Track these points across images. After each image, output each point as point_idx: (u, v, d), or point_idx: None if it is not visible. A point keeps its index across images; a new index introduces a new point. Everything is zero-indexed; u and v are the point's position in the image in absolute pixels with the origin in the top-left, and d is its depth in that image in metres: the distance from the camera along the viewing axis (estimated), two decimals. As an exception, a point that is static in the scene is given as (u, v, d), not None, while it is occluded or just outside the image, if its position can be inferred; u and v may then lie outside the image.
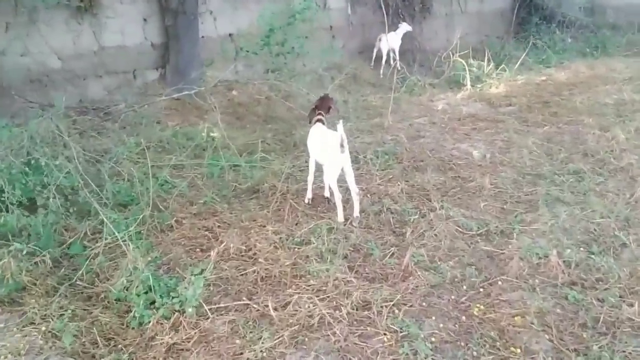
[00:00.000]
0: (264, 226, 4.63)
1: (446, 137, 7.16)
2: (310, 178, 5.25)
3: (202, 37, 8.64)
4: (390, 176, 5.73)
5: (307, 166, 5.83)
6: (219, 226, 4.65)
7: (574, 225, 4.42)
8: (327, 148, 4.67)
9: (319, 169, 5.16)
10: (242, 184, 5.53)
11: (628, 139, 6.31)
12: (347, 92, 9.51)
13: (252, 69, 9.10)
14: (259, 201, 5.22)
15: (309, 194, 5.27)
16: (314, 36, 9.74)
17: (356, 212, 4.70)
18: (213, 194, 5.24)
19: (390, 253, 4.17)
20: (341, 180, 4.74)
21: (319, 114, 5.25)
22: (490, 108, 8.77)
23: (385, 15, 11.19)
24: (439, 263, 3.99)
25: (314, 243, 4.26)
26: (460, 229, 4.47)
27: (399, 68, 11.05)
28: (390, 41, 10.87)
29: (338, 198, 4.65)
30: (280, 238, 4.38)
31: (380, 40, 10.98)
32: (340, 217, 4.67)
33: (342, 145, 4.54)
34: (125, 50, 8.04)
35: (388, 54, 11.10)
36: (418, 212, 4.80)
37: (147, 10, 8.16)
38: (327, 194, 5.33)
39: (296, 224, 4.72)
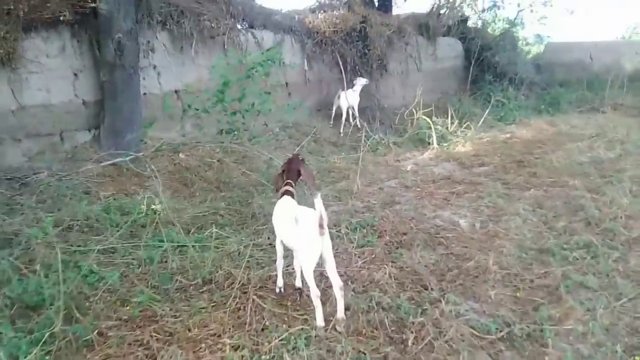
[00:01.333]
0: (219, 336, 3.53)
1: (424, 203, 6.33)
2: (280, 262, 4.21)
3: (144, 94, 7.59)
4: (372, 255, 4.79)
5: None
6: (157, 339, 3.50)
7: (615, 323, 3.54)
8: (301, 231, 3.64)
9: (289, 251, 4.17)
10: (190, 274, 4.39)
11: (631, 204, 5.62)
12: (308, 152, 8.61)
13: (201, 129, 8.08)
14: (211, 297, 4.10)
15: (280, 282, 4.22)
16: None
17: (340, 313, 3.65)
18: (152, 288, 4.09)
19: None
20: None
21: (287, 183, 4.25)
22: (463, 169, 8.09)
23: (343, 72, 10.65)
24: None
25: (288, 363, 3.17)
26: (476, 332, 3.49)
27: (359, 126, 10.39)
28: (350, 98, 10.24)
29: (316, 296, 3.60)
30: (243, 357, 3.26)
31: (339, 97, 10.33)
32: (320, 321, 3.63)
33: (321, 227, 3.54)
34: (51, 109, 6.88)
35: (347, 112, 10.41)
36: (418, 309, 3.80)
37: (77, 63, 7.07)
38: (298, 283, 4.30)
39: (262, 331, 3.63)
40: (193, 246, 4.88)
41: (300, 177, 4.35)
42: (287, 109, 8.43)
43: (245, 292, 4.10)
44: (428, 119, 9.68)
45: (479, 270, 4.45)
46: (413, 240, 5.11)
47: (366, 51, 11.30)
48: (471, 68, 14.22)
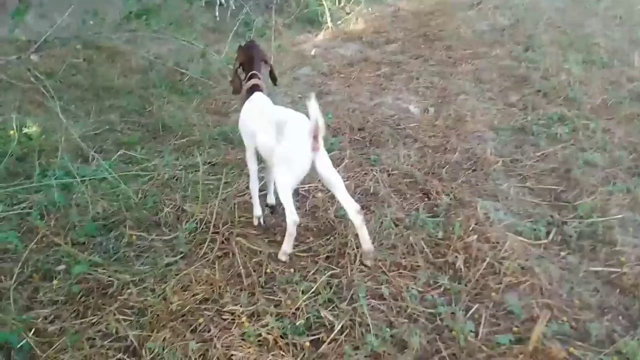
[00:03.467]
0: (215, 301, 2.57)
1: (357, 91, 5.51)
2: (254, 182, 3.20)
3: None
4: (349, 160, 3.92)
5: (212, 163, 3.79)
6: (127, 323, 2.43)
7: None
8: (288, 141, 2.67)
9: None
10: (123, 218, 3.21)
11: (575, 69, 5.36)
12: (188, 42, 7.08)
13: (96, 14, 6.10)
14: (173, 247, 3.00)
15: (258, 211, 3.23)
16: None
17: (366, 244, 2.78)
18: (75, 246, 2.91)
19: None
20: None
21: (253, 75, 3.16)
22: (371, 48, 7.30)
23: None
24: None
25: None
26: (526, 240, 2.92)
27: (233, 6, 8.92)
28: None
29: (294, 223, 2.74)
30: (272, 327, 2.35)
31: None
32: (286, 255, 2.84)
33: (315, 139, 2.60)
34: None
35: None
36: (440, 221, 3.11)
37: None
38: (271, 199, 3.39)
39: (267, 284, 2.70)
40: (104, 178, 3.61)
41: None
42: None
43: (217, 233, 3.05)
44: (318, -6, 8.54)
45: (472, 163, 3.85)
46: (379, 135, 4.33)
47: None
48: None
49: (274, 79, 3.35)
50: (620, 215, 3.04)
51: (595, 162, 3.67)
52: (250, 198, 3.20)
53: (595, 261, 2.76)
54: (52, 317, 2.51)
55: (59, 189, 3.49)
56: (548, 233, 2.99)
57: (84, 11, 5.92)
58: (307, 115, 2.62)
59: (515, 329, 2.33)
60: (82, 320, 2.48)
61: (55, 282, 2.74)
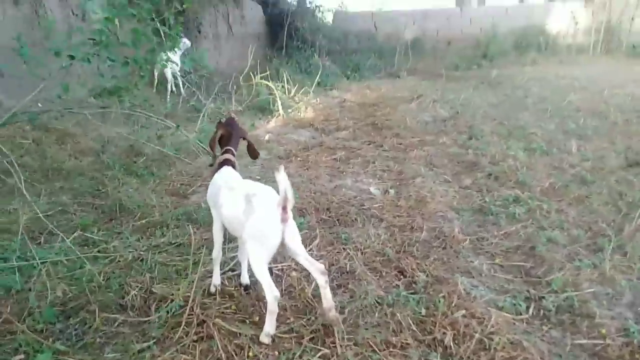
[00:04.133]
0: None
1: (317, 174, 5.60)
2: (218, 253, 3.17)
3: None
4: (319, 240, 3.89)
5: (175, 244, 3.67)
6: None
7: (627, 274, 3.33)
8: (256, 215, 2.64)
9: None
10: (85, 302, 2.98)
11: (521, 156, 5.72)
12: (143, 127, 7.04)
13: (67, 91, 5.92)
14: (144, 331, 2.80)
15: (216, 280, 3.20)
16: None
17: (329, 302, 2.73)
18: (36, 333, 2.62)
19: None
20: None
21: (227, 150, 3.22)
22: (324, 135, 7.56)
23: (161, 31, 9.06)
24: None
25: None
26: (508, 315, 2.95)
27: (184, 94, 9.07)
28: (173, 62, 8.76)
29: (274, 298, 2.63)
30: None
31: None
32: (272, 329, 2.71)
33: (284, 210, 2.59)
34: None
35: (174, 77, 8.97)
36: (422, 298, 3.11)
37: None
38: (245, 279, 3.27)
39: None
40: (60, 260, 3.38)
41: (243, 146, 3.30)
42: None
43: (192, 315, 2.87)
44: (270, 84, 8.84)
45: (440, 241, 3.92)
46: (345, 215, 4.36)
47: (181, 8, 9.82)
48: (285, 33, 13.74)
49: (254, 153, 3.36)
50: (592, 289, 3.14)
51: (556, 239, 3.82)
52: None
53: (577, 334, 2.79)
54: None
55: (11, 273, 3.23)
56: (528, 308, 3.02)
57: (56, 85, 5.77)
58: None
59: (517, 404, 2.27)
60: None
61: (11, 374, 2.44)
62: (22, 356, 2.58)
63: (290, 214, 2.64)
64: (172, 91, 8.93)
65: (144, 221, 4.34)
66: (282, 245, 2.66)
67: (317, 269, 2.69)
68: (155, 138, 6.27)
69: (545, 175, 5.15)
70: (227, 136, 3.24)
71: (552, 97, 9.16)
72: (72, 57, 3.81)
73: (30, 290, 3.05)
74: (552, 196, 4.69)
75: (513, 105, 8.86)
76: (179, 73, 9.03)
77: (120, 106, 5.20)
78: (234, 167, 3.16)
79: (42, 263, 3.24)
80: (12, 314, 2.85)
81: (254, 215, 2.63)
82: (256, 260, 2.63)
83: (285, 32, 14.19)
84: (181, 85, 9.27)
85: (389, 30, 17.91)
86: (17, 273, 3.20)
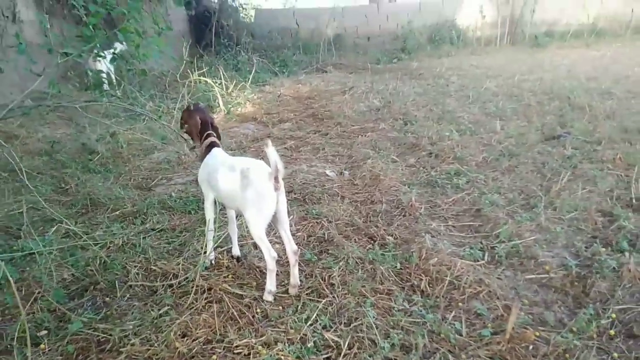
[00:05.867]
0: (221, 341, 2.70)
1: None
2: (211, 228, 3.47)
3: None
4: (293, 216, 4.26)
5: (156, 230, 3.93)
6: None
7: (557, 222, 3.97)
8: (252, 186, 2.99)
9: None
10: (89, 282, 3.19)
11: (457, 137, 6.36)
12: (80, 125, 7.04)
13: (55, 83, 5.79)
14: (155, 300, 3.07)
15: (211, 253, 3.51)
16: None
17: (295, 279, 3.16)
18: (47, 313, 2.84)
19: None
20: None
21: (209, 134, 3.52)
22: (268, 127, 7.86)
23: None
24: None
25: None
26: (470, 262, 3.48)
27: (119, 95, 9.04)
28: (108, 63, 8.72)
29: (272, 258, 3.02)
30: (290, 352, 2.57)
31: (95, 62, 8.70)
32: (273, 286, 3.10)
33: (276, 180, 2.98)
34: None
35: (108, 77, 8.91)
36: (395, 254, 3.57)
37: None
38: (236, 251, 3.63)
39: (265, 319, 2.89)
40: (47, 251, 3.56)
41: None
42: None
43: (195, 285, 3.17)
44: (210, 81, 9.03)
45: (400, 210, 4.42)
46: (310, 195, 4.76)
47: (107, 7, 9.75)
48: (207, 32, 13.85)
49: (219, 138, 3.63)
50: (533, 237, 3.74)
51: (497, 202, 4.42)
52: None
53: (526, 272, 3.36)
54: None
55: (5, 264, 3.35)
56: (483, 255, 3.57)
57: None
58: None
59: (489, 324, 2.79)
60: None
61: (42, 346, 2.65)
62: (46, 331, 2.78)
63: (281, 183, 3.00)
64: (112, 84, 8.90)
65: (117, 212, 4.53)
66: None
67: (290, 248, 3.10)
68: (107, 136, 6.35)
69: (478, 152, 5.79)
70: (204, 123, 3.51)
71: (471, 85, 9.99)
72: (65, 54, 3.92)
73: (24, 279, 3.19)
74: (487, 168, 5.32)
75: (438, 93, 9.59)
76: (112, 71, 8.99)
77: (104, 99, 5.25)
78: (219, 147, 3.47)
79: (38, 252, 3.38)
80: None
81: (251, 187, 2.97)
82: (255, 226, 2.99)
83: (213, 31, 14.29)
84: (114, 82, 9.23)
85: (310, 26, 18.36)
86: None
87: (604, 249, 3.48)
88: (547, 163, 5.28)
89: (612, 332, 2.70)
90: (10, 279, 2.32)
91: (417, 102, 8.92)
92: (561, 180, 4.66)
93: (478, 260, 3.51)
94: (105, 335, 2.73)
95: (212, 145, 3.44)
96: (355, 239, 3.87)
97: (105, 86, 8.88)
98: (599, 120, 6.64)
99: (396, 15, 18.65)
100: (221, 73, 9.79)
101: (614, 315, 2.82)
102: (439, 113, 7.84)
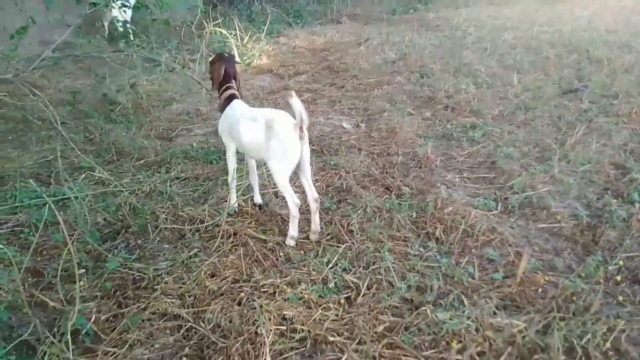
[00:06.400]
0: (247, 281, 2.88)
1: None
2: (233, 180, 3.63)
3: None
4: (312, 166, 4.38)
5: (180, 179, 4.07)
6: (174, 305, 2.66)
7: (571, 175, 4.07)
8: (278, 136, 3.10)
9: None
10: (120, 226, 3.39)
11: (474, 90, 6.38)
12: (98, 76, 7.13)
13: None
14: (185, 244, 3.26)
15: (234, 202, 3.68)
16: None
17: (315, 226, 3.32)
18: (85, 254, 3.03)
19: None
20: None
21: (229, 87, 3.58)
22: (284, 79, 7.89)
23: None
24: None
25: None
26: (484, 212, 3.61)
27: (137, 43, 9.09)
28: (127, 11, 8.73)
29: (295, 205, 3.18)
30: (312, 291, 2.75)
31: (111, 9, 8.69)
32: (296, 231, 3.27)
33: (301, 129, 3.11)
34: None
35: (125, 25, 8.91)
36: (412, 203, 3.71)
37: None
38: (258, 199, 3.79)
39: (288, 262, 3.06)
40: (79, 197, 3.72)
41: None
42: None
43: (221, 230, 3.34)
44: (225, 32, 9.01)
45: (416, 162, 4.52)
46: (328, 146, 4.88)
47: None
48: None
49: (240, 92, 3.70)
50: (546, 189, 3.85)
51: (511, 155, 4.50)
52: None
53: (538, 221, 3.49)
54: (97, 310, 2.63)
55: (37, 209, 3.55)
56: (497, 205, 3.69)
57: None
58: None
59: (501, 269, 2.94)
60: (130, 307, 2.65)
61: (81, 283, 2.85)
62: (84, 270, 2.98)
63: (305, 132, 3.11)
64: (131, 41, 8.92)
65: (142, 161, 4.68)
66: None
67: (312, 196, 3.26)
68: (127, 86, 6.45)
69: (494, 105, 5.83)
70: (227, 73, 3.58)
71: (489, 36, 9.87)
72: (94, 5, 4.01)
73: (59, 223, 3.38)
74: (503, 121, 5.38)
75: (455, 45, 9.50)
76: (128, 19, 8.99)
77: (131, 50, 5.34)
78: (239, 98, 3.56)
79: (75, 197, 3.55)
80: (53, 242, 3.21)
81: (276, 137, 3.08)
82: (280, 174, 3.13)
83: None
84: (131, 35, 9.24)
85: (325, -25, 17.98)
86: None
87: (614, 200, 3.58)
88: (563, 116, 5.32)
89: (618, 277, 2.84)
90: (60, 219, 2.45)
91: (433, 54, 8.85)
92: (576, 133, 4.72)
93: (491, 210, 3.63)
94: (140, 274, 2.92)
95: (232, 97, 3.53)
96: (372, 189, 3.99)
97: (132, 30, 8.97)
98: (617, 74, 6.61)
99: (413, -36, 18.16)
100: (235, 24, 9.72)
101: (621, 262, 2.95)
102: (456, 66, 7.81)
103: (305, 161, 3.20)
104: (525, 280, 2.77)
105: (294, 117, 3.04)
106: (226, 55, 3.74)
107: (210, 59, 3.78)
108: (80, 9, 4.00)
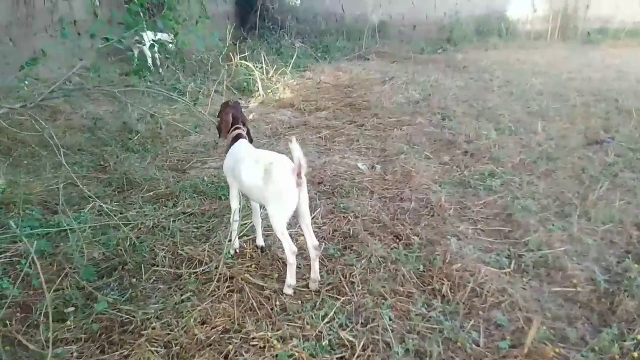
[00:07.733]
0: (238, 332, 2.75)
1: (307, 151, 5.92)
2: (236, 218, 3.53)
3: None
4: (318, 209, 4.27)
5: (186, 214, 3.99)
6: (158, 355, 2.53)
7: (591, 235, 3.86)
8: (276, 181, 3.01)
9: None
10: (117, 262, 3.30)
11: (495, 136, 6.23)
12: (122, 103, 7.18)
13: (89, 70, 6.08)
14: (179, 286, 3.15)
15: (236, 243, 3.58)
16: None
17: (315, 274, 3.19)
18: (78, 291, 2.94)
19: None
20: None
21: (237, 127, 3.53)
22: (305, 115, 7.86)
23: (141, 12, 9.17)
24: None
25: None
26: (494, 269, 3.42)
27: (162, 73, 9.23)
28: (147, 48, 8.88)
29: (293, 253, 3.07)
30: (303, 349, 2.61)
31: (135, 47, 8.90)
32: (293, 280, 3.14)
33: (299, 176, 2.99)
34: None
35: (153, 56, 9.10)
36: (420, 256, 3.54)
37: None
38: (260, 241, 3.67)
39: (284, 312, 2.92)
40: (80, 229, 3.67)
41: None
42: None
43: (219, 273, 3.23)
44: (250, 65, 9.09)
45: (428, 210, 4.37)
46: (340, 188, 4.76)
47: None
48: (252, 15, 13.90)
49: (250, 138, 3.65)
50: (563, 248, 3.65)
51: (530, 208, 4.32)
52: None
53: (553, 284, 3.29)
54: (79, 354, 2.53)
55: (39, 239, 3.49)
56: (510, 263, 3.50)
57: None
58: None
59: (508, 337, 2.75)
60: (111, 354, 2.53)
61: (68, 322, 2.76)
62: (74, 308, 2.89)
63: (304, 179, 3.02)
64: (151, 69, 9.06)
65: (152, 193, 4.64)
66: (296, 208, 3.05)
67: (312, 244, 3.14)
68: (148, 116, 6.48)
69: (515, 153, 5.66)
70: (235, 119, 3.54)
71: (516, 81, 9.73)
72: (107, 40, 4.05)
73: (57, 255, 3.32)
74: (523, 171, 5.20)
75: (480, 88, 9.39)
76: (157, 53, 9.14)
77: (143, 84, 5.38)
78: (245, 138, 3.51)
79: (71, 230, 3.50)
80: (49, 275, 3.14)
81: (274, 182, 3.00)
82: (277, 220, 3.03)
83: (258, 13, 14.33)
84: (159, 65, 9.40)
85: (356, 12, 18.17)
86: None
87: (636, 266, 3.37)
88: (586, 169, 5.12)
89: (635, 354, 2.62)
90: (37, 262, 2.37)
91: (457, 96, 8.75)
92: (599, 188, 4.53)
93: (504, 268, 3.45)
94: (129, 317, 2.82)
95: (238, 137, 3.48)
96: (380, 237, 3.86)
97: (150, 66, 9.11)
98: (647, 126, 6.39)
99: (444, 5, 18.22)
100: (263, 57, 9.80)
101: (639, 337, 2.73)
102: (479, 109, 7.68)
103: (303, 208, 3.09)
104: (534, 351, 2.58)
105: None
106: (232, 102, 3.71)
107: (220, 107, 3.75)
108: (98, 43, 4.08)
